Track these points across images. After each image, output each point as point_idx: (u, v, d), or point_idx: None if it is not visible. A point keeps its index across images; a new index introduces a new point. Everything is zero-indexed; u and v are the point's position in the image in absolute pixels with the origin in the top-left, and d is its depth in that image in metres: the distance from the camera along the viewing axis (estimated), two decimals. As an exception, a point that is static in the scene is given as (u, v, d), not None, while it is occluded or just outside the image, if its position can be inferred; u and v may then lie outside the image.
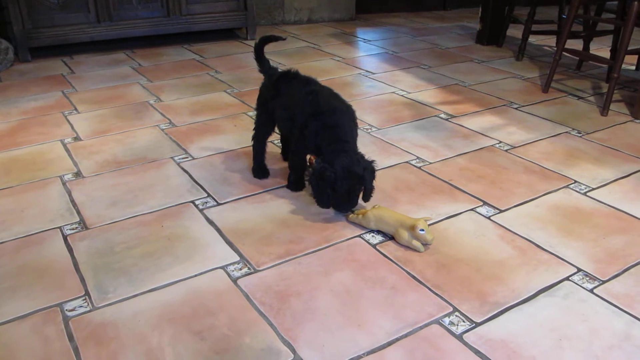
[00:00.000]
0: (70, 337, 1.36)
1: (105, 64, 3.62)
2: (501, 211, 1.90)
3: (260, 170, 2.12)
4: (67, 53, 3.83)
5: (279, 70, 2.08)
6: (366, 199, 1.86)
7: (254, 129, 2.10)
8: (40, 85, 3.18)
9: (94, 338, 1.36)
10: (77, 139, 2.47)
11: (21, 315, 1.43)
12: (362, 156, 1.83)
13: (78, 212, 1.89)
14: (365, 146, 2.35)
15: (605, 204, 1.95)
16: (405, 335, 1.36)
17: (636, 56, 3.51)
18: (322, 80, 3.22)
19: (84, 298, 1.49)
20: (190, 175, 2.13)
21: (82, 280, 1.56)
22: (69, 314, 1.44)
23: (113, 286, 1.53)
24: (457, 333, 1.37)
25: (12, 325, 1.40)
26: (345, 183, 1.75)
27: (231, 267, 1.61)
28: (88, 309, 1.45)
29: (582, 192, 2.02)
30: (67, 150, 2.35)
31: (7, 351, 1.32)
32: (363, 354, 1.31)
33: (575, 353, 1.31)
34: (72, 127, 2.59)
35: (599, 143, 2.44)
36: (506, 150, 2.35)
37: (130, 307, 1.46)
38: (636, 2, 2.62)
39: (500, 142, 2.43)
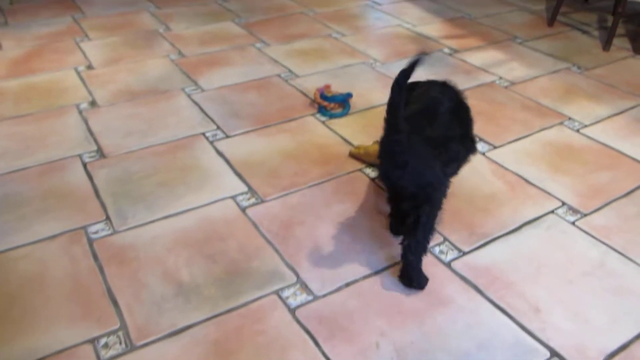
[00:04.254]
0: (95, 257, 1.51)
1: (112, -12, 3.63)
2: (496, 147, 2.00)
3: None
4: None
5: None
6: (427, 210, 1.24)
7: None
8: (51, 9, 3.21)
9: (116, 258, 1.50)
10: (90, 67, 2.54)
11: (50, 235, 1.58)
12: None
13: (95, 141, 2.00)
14: (369, 82, 2.42)
15: (596, 140, 2.04)
16: (399, 262, 1.50)
17: (647, -11, 3.48)
18: (326, 10, 3.25)
19: (105, 222, 1.63)
20: (200, 108, 2.22)
21: (103, 205, 1.70)
22: (93, 236, 1.58)
23: (132, 212, 1.67)
24: (446, 261, 1.51)
25: (44, 244, 1.55)
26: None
27: (240, 197, 1.74)
28: (110, 232, 1.60)
29: (575, 129, 2.11)
30: (82, 79, 2.43)
31: (42, 266, 1.47)
32: (359, 277, 1.46)
33: (551, 278, 1.45)
34: (85, 55, 2.66)
35: (597, 79, 2.49)
36: (506, 87, 2.41)
37: (148, 232, 1.60)
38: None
39: (501, 78, 2.49)
